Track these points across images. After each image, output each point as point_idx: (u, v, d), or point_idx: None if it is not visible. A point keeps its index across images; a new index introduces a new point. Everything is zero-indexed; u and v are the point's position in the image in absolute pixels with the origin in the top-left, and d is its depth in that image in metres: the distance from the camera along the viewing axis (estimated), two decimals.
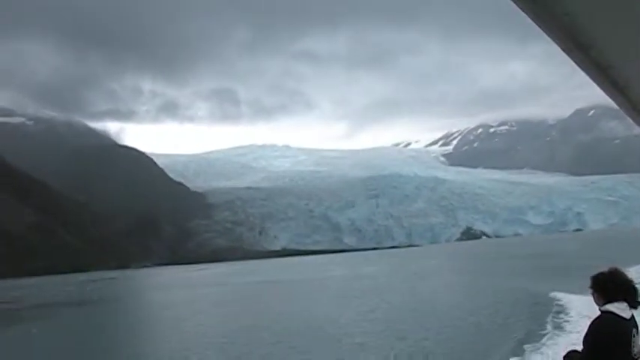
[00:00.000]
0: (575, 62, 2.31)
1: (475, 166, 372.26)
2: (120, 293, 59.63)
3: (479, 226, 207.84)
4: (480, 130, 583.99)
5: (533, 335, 19.23)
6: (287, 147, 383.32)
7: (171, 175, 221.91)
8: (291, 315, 28.66)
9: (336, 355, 18.43)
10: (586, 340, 3.62)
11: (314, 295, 39.37)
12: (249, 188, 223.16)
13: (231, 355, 19.56)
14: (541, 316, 23.14)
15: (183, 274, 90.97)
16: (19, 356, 23.18)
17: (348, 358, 18.08)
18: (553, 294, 29.29)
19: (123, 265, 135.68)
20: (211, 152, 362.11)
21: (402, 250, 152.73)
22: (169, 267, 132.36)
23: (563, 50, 2.17)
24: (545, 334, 19.10)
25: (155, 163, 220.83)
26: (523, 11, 1.89)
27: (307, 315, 28.31)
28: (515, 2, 1.82)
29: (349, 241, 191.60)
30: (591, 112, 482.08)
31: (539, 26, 1.97)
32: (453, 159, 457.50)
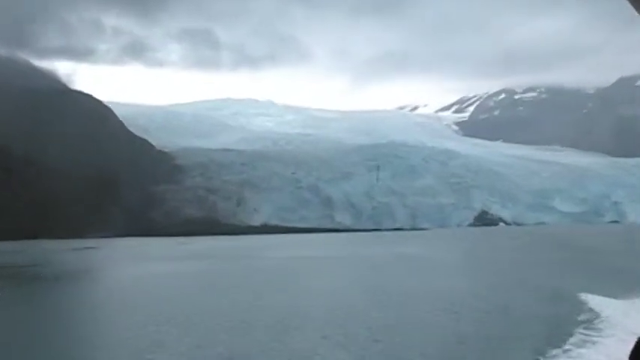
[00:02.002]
0: None
1: (494, 139, 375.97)
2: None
3: (496, 211, 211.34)
4: (503, 95, 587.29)
5: (555, 347, 19.67)
6: (272, 103, 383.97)
7: (132, 129, 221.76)
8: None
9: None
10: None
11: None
12: (225, 150, 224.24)
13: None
14: (566, 323, 23.99)
15: (168, 250, 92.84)
16: None
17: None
18: (583, 296, 30.74)
19: (75, 234, 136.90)
20: (182, 104, 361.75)
21: (406, 233, 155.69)
22: (133, 239, 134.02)
23: None
24: (569, 349, 19.47)
25: (114, 113, 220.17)
26: None
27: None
28: None
29: (342, 218, 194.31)
30: (639, 81, 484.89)
31: None
32: (469, 128, 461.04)
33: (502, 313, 27.80)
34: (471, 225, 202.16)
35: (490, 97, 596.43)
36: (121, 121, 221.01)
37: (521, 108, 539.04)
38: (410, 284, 38.83)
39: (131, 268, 57.54)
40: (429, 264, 53.88)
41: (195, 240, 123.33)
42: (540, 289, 35.01)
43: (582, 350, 19.17)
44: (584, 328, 22.71)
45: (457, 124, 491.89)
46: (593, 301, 28.70)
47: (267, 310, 28.96)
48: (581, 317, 25.12)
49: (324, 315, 27.48)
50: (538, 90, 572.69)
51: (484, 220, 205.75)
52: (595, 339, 20.77)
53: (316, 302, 31.27)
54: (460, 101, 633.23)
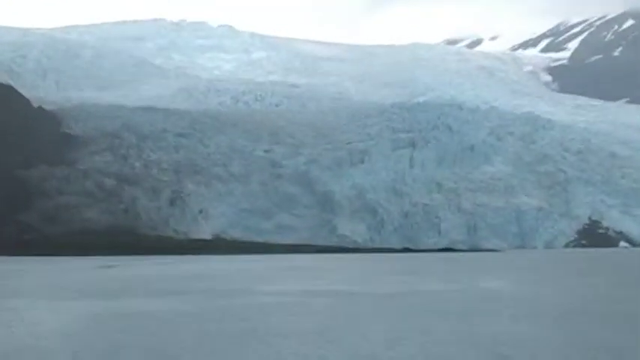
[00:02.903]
0: None
1: (614, 97, 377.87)
2: None
3: (615, 221, 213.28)
4: (630, 22, 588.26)
5: None
6: (231, 30, 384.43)
7: None
8: None
9: None
10: None
11: None
12: (151, 109, 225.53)
13: None
14: None
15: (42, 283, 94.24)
16: None
17: None
18: None
19: None
20: (74, 28, 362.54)
21: (461, 257, 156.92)
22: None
23: None
24: None
25: None
26: None
27: None
28: None
29: (351, 230, 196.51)
30: None
31: None
32: (570, 79, 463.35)
33: None
34: (571, 244, 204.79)
35: (607, 24, 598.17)
36: None
37: None
38: None
39: None
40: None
41: (96, 263, 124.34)
42: None
43: None
44: None
45: (550, 70, 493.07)
46: None
47: None
48: None
49: None
50: None
51: (593, 236, 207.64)
52: None
53: None
54: (555, 31, 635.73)
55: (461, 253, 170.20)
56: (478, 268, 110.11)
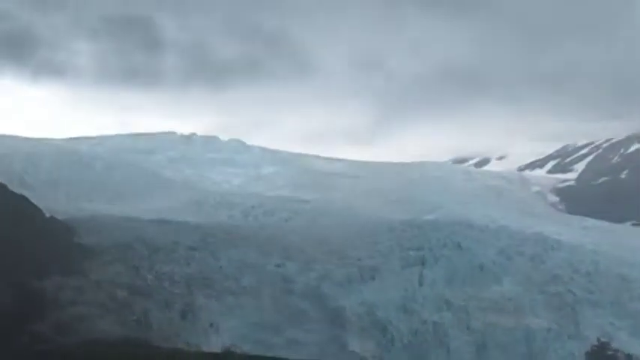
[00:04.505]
0: None
1: (622, 219, 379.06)
2: None
3: (622, 342, 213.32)
4: (637, 145, 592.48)
5: None
6: (241, 145, 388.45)
7: (1, 178, 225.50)
8: None
9: None
10: None
11: None
12: (162, 222, 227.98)
13: None
14: None
15: None
16: None
17: None
18: None
19: None
20: (86, 139, 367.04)
21: None
22: None
23: None
24: None
25: None
26: None
27: None
28: None
29: (360, 346, 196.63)
30: None
31: None
32: (577, 200, 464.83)
33: None
34: None
35: (613, 147, 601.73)
36: None
37: None
38: None
39: None
40: None
41: None
42: None
43: None
44: None
45: (557, 191, 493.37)
46: None
47: None
48: None
49: None
50: None
51: (603, 358, 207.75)
52: None
53: None
54: (562, 152, 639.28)
55: None
56: None
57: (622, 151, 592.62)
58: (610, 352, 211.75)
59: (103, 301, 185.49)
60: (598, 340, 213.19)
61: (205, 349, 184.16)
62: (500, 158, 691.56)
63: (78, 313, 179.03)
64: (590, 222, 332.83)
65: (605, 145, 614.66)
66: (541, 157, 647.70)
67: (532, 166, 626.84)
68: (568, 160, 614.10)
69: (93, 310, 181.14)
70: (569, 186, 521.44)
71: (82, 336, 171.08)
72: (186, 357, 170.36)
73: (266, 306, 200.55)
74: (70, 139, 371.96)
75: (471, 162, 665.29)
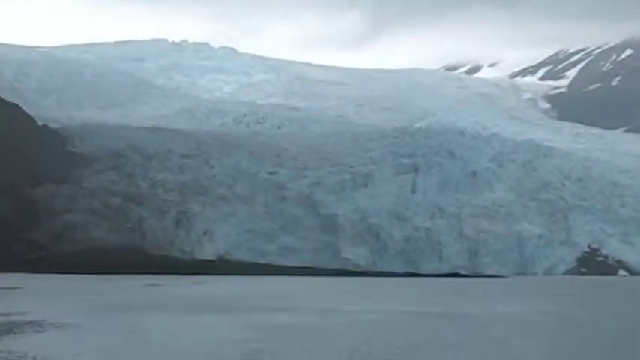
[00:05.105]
0: None
1: (613, 126, 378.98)
2: None
3: (613, 249, 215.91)
4: (629, 52, 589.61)
5: None
6: (233, 52, 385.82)
7: None
8: None
9: None
10: None
11: None
12: (155, 130, 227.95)
13: None
14: None
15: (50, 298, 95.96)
16: None
17: None
18: None
19: None
20: (76, 47, 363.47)
21: (465, 282, 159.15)
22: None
23: None
24: None
25: None
26: None
27: None
28: None
29: (354, 253, 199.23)
30: None
31: None
32: (569, 107, 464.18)
33: None
34: (569, 272, 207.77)
35: (606, 52, 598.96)
36: None
37: None
38: None
39: None
40: None
41: (105, 282, 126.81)
42: None
43: None
44: None
45: (549, 98, 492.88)
46: None
47: None
48: None
49: None
50: None
51: (593, 263, 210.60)
52: None
53: None
54: (554, 59, 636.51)
55: (464, 279, 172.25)
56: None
57: (614, 57, 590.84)
58: (600, 259, 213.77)
59: (97, 208, 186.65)
60: (589, 246, 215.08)
61: (199, 256, 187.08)
62: (492, 65, 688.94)
63: (72, 221, 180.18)
64: (582, 129, 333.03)
65: (597, 52, 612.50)
66: (533, 63, 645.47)
67: (524, 72, 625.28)
68: (560, 66, 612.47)
69: (87, 218, 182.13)
70: (560, 93, 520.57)
71: (76, 244, 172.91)
72: (181, 264, 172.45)
73: (259, 213, 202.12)
74: (60, 46, 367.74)
75: (463, 69, 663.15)
